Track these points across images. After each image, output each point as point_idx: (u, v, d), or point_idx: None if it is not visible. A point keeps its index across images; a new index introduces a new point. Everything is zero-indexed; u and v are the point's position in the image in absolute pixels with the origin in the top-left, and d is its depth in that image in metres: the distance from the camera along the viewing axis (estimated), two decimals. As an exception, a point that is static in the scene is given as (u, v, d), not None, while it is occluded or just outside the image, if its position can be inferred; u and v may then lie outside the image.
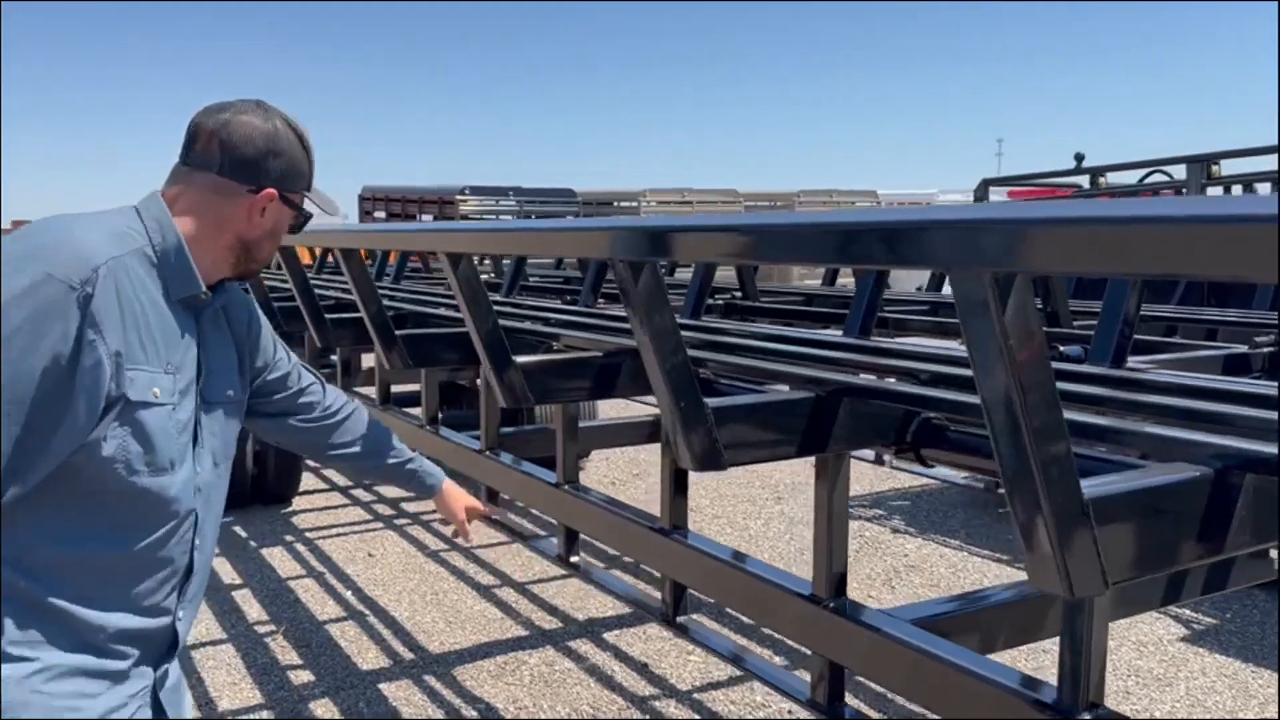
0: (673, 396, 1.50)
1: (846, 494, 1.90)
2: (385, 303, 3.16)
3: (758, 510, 5.87)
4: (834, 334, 2.59)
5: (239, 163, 1.49)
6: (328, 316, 3.36)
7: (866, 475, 6.26)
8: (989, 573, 4.82)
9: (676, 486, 2.38)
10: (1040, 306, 2.96)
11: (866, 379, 1.78)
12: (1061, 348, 2.17)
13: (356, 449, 1.92)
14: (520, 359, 2.22)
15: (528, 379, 2.20)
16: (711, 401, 1.54)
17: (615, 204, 16.44)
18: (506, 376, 2.17)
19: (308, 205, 1.58)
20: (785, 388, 1.86)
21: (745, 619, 4.01)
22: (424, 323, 3.43)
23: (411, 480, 2.04)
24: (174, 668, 1.58)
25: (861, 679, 2.66)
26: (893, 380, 1.75)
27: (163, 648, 1.52)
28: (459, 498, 2.11)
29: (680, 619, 2.42)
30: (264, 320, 1.74)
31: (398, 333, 2.82)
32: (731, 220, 1.08)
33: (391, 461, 1.98)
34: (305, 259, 7.97)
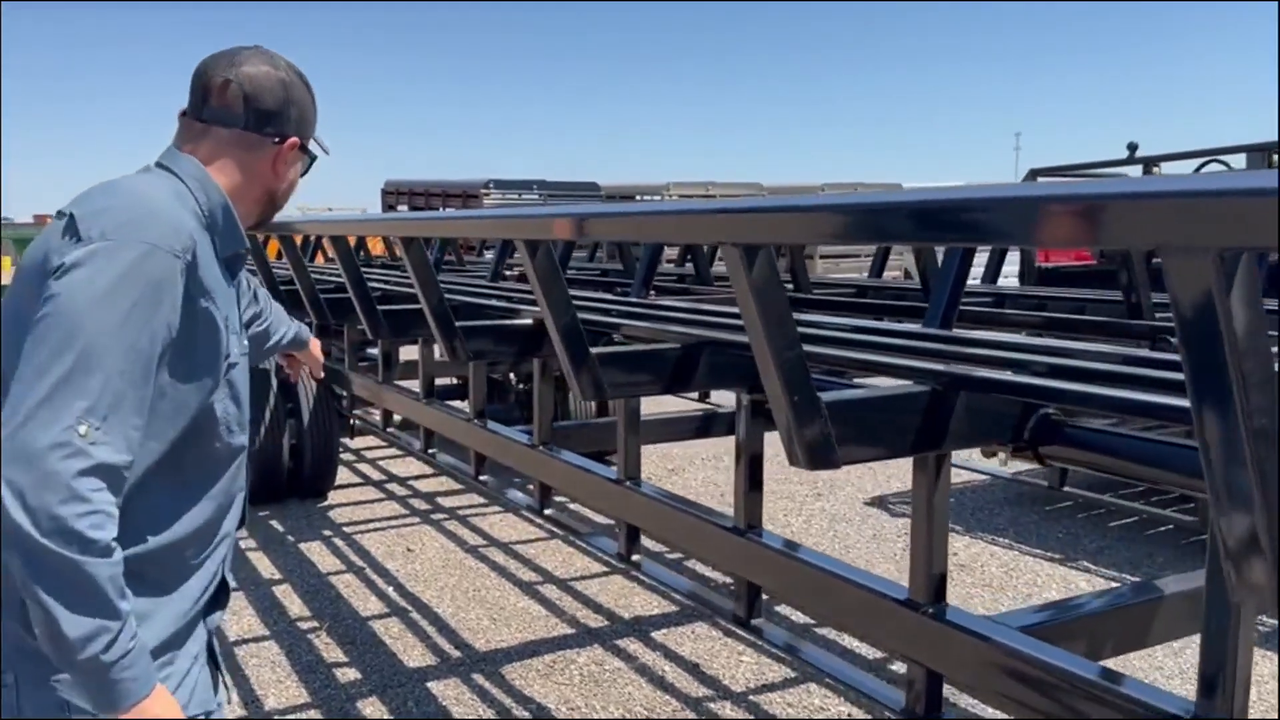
0: (787, 390, 1.41)
1: (947, 493, 1.80)
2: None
3: (798, 507, 5.77)
4: (914, 326, 2.48)
5: (263, 115, 1.47)
6: (380, 309, 3.27)
7: (905, 470, 6.16)
8: (1042, 572, 4.71)
9: (751, 482, 2.29)
10: (1123, 298, 2.86)
11: (980, 371, 1.68)
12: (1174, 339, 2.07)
13: (277, 338, 2.11)
14: (596, 350, 2.13)
15: (605, 371, 2.11)
16: (825, 395, 1.45)
17: (638, 197, 16.33)
18: (584, 369, 2.08)
19: (313, 148, 1.59)
20: (886, 381, 1.76)
21: (796, 617, 3.92)
22: (475, 314, 3.34)
23: (294, 343, 2.25)
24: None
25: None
26: (1008, 373, 1.65)
27: (216, 599, 1.52)
28: (318, 347, 2.41)
29: (755, 621, 2.33)
30: None
31: (458, 324, 2.73)
32: (895, 199, 0.99)
33: (287, 333, 2.18)
34: (379, 250, 7.98)
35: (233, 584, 1.56)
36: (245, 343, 1.52)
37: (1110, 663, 1.87)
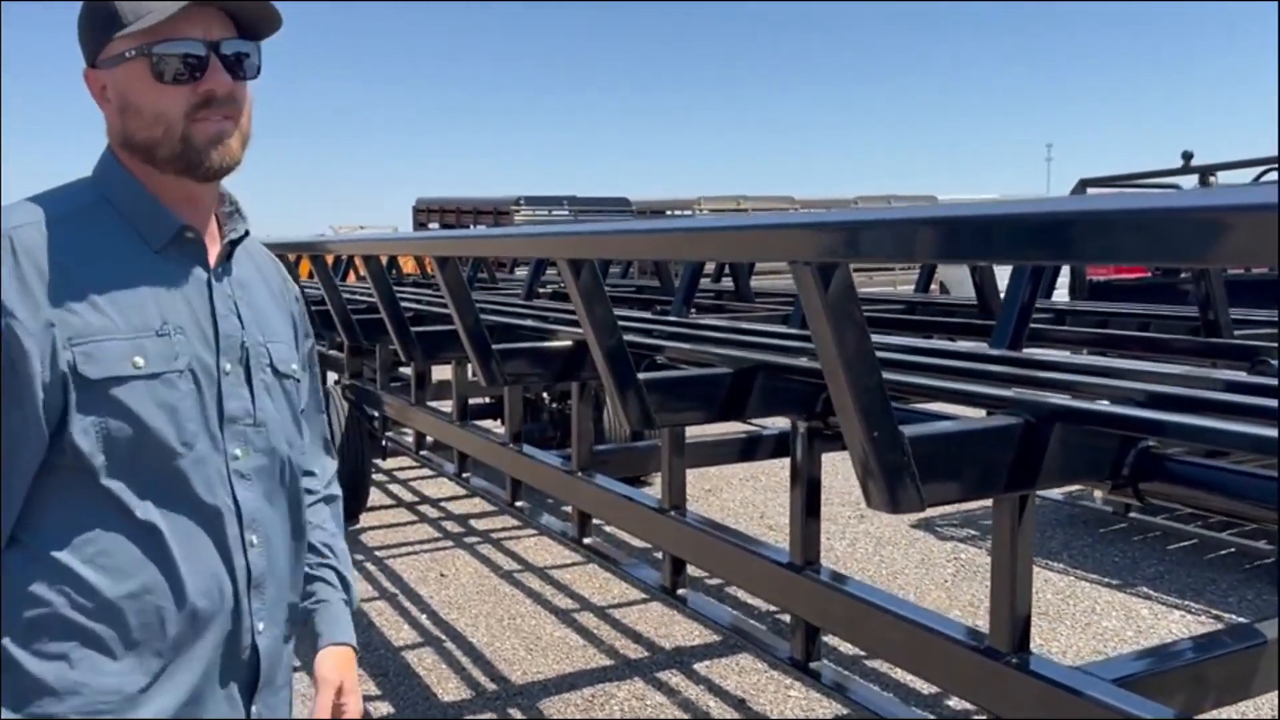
0: (865, 425, 1.27)
1: (1031, 533, 1.65)
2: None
3: (841, 530, 5.59)
4: (980, 345, 2.33)
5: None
6: (414, 331, 3.16)
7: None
8: (1100, 599, 4.50)
9: (808, 513, 2.14)
10: (1198, 315, 2.69)
11: (1074, 400, 1.53)
12: (1274, 361, 1.91)
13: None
14: (644, 375, 2.00)
15: (652, 398, 1.98)
16: (908, 430, 1.31)
17: (669, 212, 16.25)
18: (631, 396, 1.94)
19: (139, 26, 1.17)
20: (964, 410, 1.62)
21: (845, 648, 3.75)
22: (510, 335, 3.22)
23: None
24: (280, 691, 1.32)
25: None
26: (1106, 403, 1.50)
27: (241, 672, 1.26)
28: (339, 670, 1.45)
29: (814, 664, 2.18)
30: (308, 328, 1.46)
31: (494, 347, 2.61)
32: (1010, 210, 0.86)
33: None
34: (410, 268, 7.90)
35: (264, 648, 1.27)
36: (209, 351, 1.22)
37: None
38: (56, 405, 1.13)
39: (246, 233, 1.32)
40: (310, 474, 1.50)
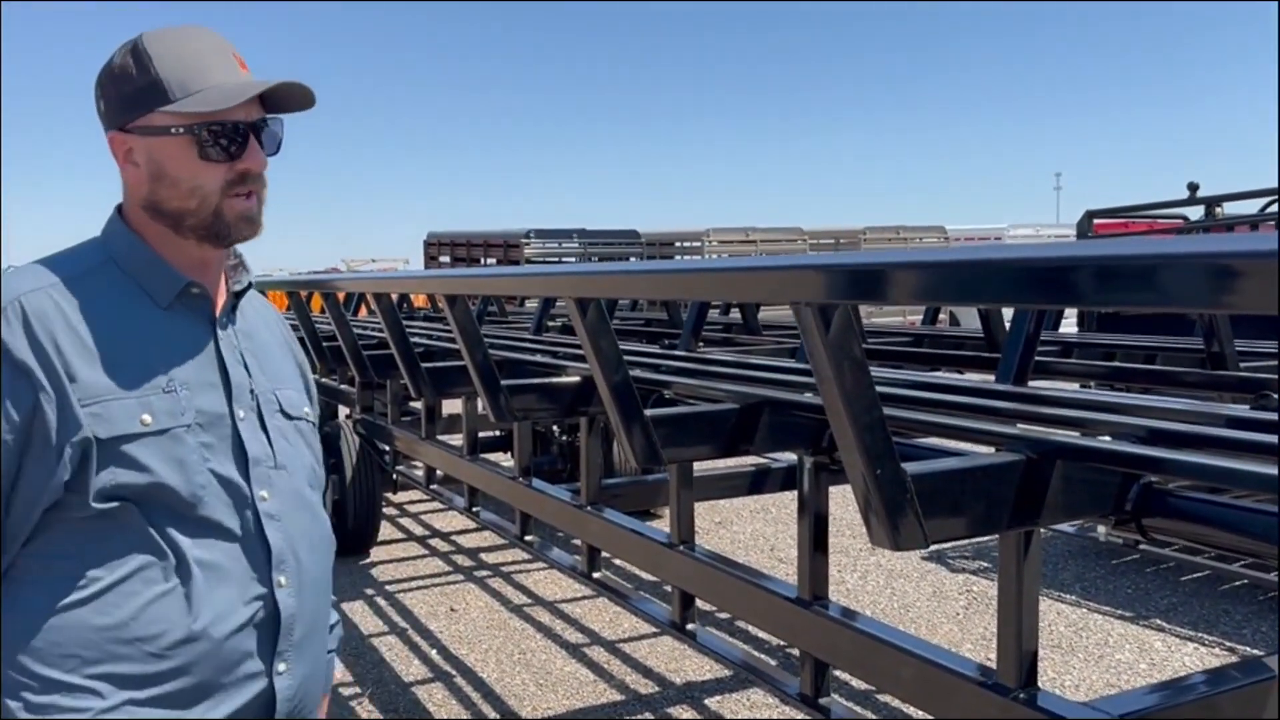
0: (868, 463, 1.28)
1: (1038, 569, 1.66)
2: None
3: (852, 562, 5.58)
4: (986, 379, 2.35)
5: (102, 120, 1.29)
6: (424, 366, 3.19)
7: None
8: (1113, 631, 4.47)
9: (815, 550, 2.15)
10: (1203, 348, 2.70)
11: (1078, 437, 1.55)
12: (1276, 394, 1.92)
13: None
14: (650, 412, 2.02)
15: (659, 434, 2.00)
16: (911, 467, 1.32)
17: (678, 244, 16.31)
18: (637, 432, 1.96)
19: (190, 106, 1.21)
20: (968, 446, 1.63)
21: (857, 683, 3.74)
22: (519, 370, 3.25)
23: None
24: None
25: None
26: (1107, 438, 1.51)
27: (258, 712, 1.25)
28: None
29: (823, 700, 2.18)
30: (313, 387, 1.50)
31: (504, 382, 2.64)
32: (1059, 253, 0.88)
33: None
34: (422, 302, 7.98)
35: (284, 689, 1.26)
36: (221, 402, 1.25)
37: None
38: (73, 463, 1.16)
39: (250, 285, 1.37)
40: None
